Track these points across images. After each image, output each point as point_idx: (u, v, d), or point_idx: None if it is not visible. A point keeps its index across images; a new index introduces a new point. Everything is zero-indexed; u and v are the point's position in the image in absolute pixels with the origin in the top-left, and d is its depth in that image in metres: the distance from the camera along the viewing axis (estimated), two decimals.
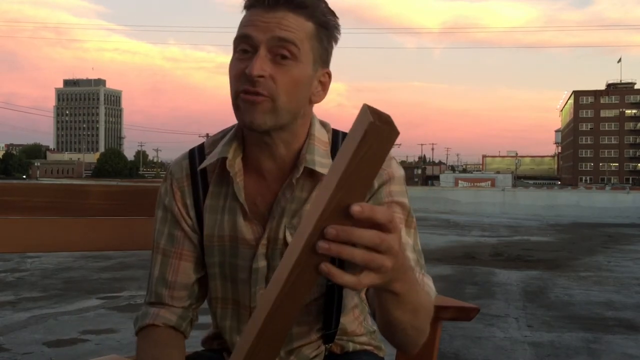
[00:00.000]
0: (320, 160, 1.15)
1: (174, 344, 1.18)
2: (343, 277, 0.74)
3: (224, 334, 1.26)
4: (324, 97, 1.17)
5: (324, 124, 1.23)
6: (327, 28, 1.12)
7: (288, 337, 1.17)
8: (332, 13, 1.13)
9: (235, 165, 1.17)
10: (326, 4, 1.13)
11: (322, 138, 1.19)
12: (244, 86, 1.07)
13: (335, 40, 1.15)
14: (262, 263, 1.18)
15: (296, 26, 1.07)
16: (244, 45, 1.09)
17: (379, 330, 1.03)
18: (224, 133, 1.24)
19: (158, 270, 1.23)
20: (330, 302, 1.20)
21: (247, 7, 1.11)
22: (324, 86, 1.16)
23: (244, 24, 1.10)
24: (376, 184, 1.13)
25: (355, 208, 0.71)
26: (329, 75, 1.16)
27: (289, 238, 1.16)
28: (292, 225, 1.16)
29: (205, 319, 1.28)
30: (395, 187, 1.15)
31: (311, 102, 1.16)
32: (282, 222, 1.16)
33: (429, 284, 1.09)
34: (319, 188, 0.76)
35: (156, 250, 1.24)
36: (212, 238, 1.20)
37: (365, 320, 1.33)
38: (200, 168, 1.21)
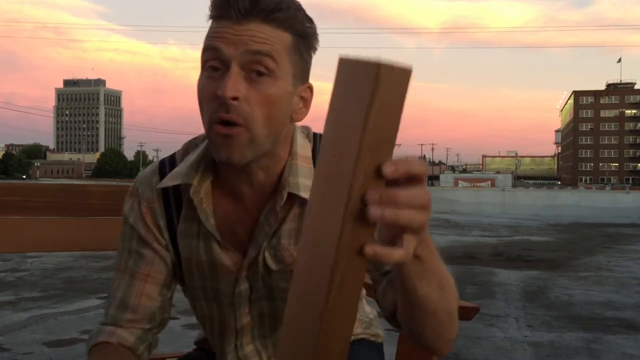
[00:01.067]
0: (304, 182, 1.05)
1: None
2: (392, 255, 0.65)
3: (212, 346, 1.24)
4: (306, 114, 1.06)
5: (305, 132, 1.13)
6: (306, 38, 1.01)
7: (276, 332, 1.16)
8: (310, 20, 1.02)
9: (202, 191, 1.07)
10: (303, 11, 1.01)
11: (304, 154, 1.09)
12: (217, 113, 0.95)
13: (314, 50, 1.04)
14: (244, 286, 1.12)
15: (272, 38, 0.96)
16: (213, 62, 0.97)
17: (406, 331, 0.93)
18: (196, 143, 1.14)
19: (121, 292, 1.13)
20: None
21: (215, 17, 0.98)
22: (306, 102, 1.05)
23: (210, 36, 0.98)
24: None
25: (388, 169, 0.61)
26: (311, 89, 1.06)
27: (268, 259, 1.09)
28: (272, 246, 1.08)
29: None
30: None
31: (292, 121, 1.04)
32: (263, 245, 1.09)
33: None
34: (325, 157, 0.64)
35: (121, 270, 1.15)
36: (190, 262, 1.13)
37: (360, 312, 1.32)
38: (160, 187, 1.10)
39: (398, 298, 0.87)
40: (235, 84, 0.94)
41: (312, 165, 1.08)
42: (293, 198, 1.05)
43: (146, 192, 1.13)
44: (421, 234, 0.70)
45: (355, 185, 0.60)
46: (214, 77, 0.97)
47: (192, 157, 1.09)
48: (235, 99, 0.94)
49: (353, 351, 1.21)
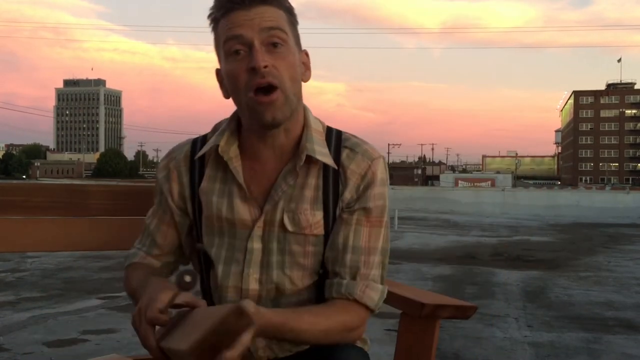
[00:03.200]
0: (319, 149, 1.22)
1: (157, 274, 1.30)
2: None
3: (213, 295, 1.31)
4: (310, 76, 1.27)
5: (316, 118, 1.30)
6: (293, 14, 1.22)
7: None
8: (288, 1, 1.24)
9: (230, 152, 1.24)
10: None
11: (317, 127, 1.26)
12: (254, 81, 1.14)
13: (298, 23, 1.25)
14: (257, 245, 1.23)
15: (276, 15, 1.17)
16: (237, 46, 1.16)
17: None
18: (221, 122, 1.31)
19: (151, 230, 1.34)
20: (322, 291, 1.25)
21: (226, 12, 1.17)
22: (307, 65, 1.26)
23: (228, 27, 1.16)
24: (361, 187, 1.23)
25: None
26: (307, 54, 1.27)
27: (286, 221, 1.21)
28: (290, 209, 1.21)
29: None
30: (377, 189, 1.23)
31: (302, 82, 1.24)
32: (280, 205, 1.21)
33: (370, 295, 1.20)
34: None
35: (154, 210, 1.35)
36: (211, 219, 1.25)
37: None
38: (198, 156, 1.28)
39: None
40: (263, 56, 1.14)
41: (324, 138, 1.25)
42: (312, 166, 1.22)
43: (178, 155, 1.32)
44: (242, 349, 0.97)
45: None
46: (240, 59, 1.16)
47: (218, 131, 1.27)
48: (266, 67, 1.14)
49: (336, 352, 1.22)
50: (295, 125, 1.23)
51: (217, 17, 1.19)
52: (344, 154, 1.25)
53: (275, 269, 1.23)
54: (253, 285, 1.23)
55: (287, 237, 1.22)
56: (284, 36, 1.17)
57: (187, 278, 1.09)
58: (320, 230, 1.23)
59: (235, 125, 1.26)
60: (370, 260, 1.22)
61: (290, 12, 1.21)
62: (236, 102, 1.21)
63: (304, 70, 1.25)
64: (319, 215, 1.22)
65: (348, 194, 1.22)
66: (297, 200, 1.21)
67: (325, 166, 1.23)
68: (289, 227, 1.21)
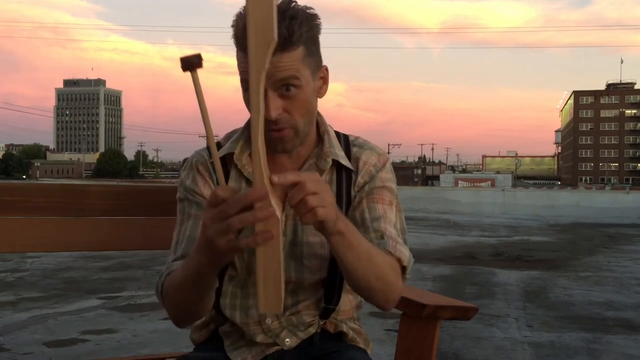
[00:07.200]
0: (340, 153, 1.31)
1: None
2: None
3: (224, 309, 1.31)
4: (327, 90, 1.29)
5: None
6: (313, 38, 1.19)
7: (294, 302, 1.30)
8: (307, 18, 1.17)
9: (243, 159, 1.28)
10: (302, 11, 1.17)
11: (332, 133, 1.34)
12: (269, 126, 1.16)
13: (320, 33, 1.22)
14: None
15: (291, 61, 1.15)
16: None
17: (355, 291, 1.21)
18: (234, 131, 1.35)
19: (189, 232, 1.27)
20: (334, 278, 1.29)
21: (242, 49, 1.16)
22: (325, 80, 1.27)
23: (243, 70, 1.16)
24: (373, 171, 1.32)
25: (273, 179, 0.96)
26: (326, 69, 1.27)
27: None
28: None
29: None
30: (385, 174, 1.34)
31: (318, 97, 1.27)
32: None
33: (401, 250, 1.23)
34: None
35: (184, 219, 1.30)
36: None
37: (357, 310, 1.39)
38: (211, 160, 1.30)
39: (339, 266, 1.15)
40: (275, 106, 1.16)
41: (339, 143, 1.33)
42: (332, 169, 1.30)
43: (200, 160, 1.34)
44: (323, 209, 0.99)
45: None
46: None
47: (233, 137, 1.32)
48: (279, 115, 1.17)
49: (341, 352, 1.26)
50: (310, 137, 1.29)
51: (236, 46, 1.18)
52: (354, 150, 1.34)
53: (294, 259, 1.27)
54: None
55: (304, 230, 1.27)
56: (296, 82, 1.16)
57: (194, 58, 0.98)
58: None
59: (249, 134, 1.26)
60: (390, 229, 1.27)
61: (310, 40, 1.18)
62: None
63: (321, 86, 1.27)
64: None
65: (361, 179, 1.31)
66: None
67: (339, 163, 1.30)
68: None
